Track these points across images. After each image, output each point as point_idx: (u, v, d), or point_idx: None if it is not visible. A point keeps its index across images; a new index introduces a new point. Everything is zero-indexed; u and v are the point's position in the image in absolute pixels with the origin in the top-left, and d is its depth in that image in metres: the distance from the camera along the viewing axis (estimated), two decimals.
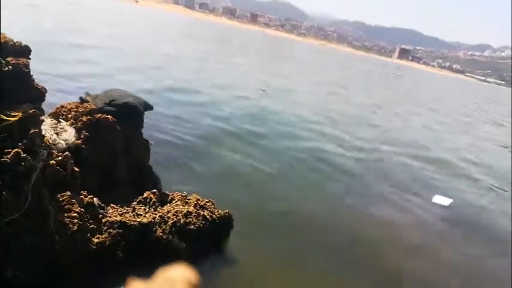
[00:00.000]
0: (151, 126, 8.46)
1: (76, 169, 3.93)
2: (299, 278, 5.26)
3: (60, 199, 3.58)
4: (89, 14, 39.00)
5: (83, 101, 4.89)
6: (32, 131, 3.30)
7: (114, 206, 4.53)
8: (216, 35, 67.95)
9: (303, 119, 14.77)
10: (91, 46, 19.86)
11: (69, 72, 12.94)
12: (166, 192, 5.26)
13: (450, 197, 9.01)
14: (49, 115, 4.77)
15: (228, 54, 36.81)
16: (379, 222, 7.27)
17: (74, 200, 3.68)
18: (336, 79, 35.99)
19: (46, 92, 3.66)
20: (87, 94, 5.00)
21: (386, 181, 9.63)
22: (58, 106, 4.75)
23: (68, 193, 3.66)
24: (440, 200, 8.76)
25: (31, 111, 3.33)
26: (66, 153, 3.84)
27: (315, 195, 7.96)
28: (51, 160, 3.68)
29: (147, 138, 5.31)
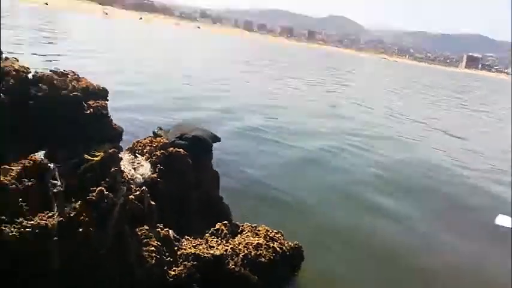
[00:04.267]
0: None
1: (152, 203, 4.05)
2: None
3: (139, 233, 3.70)
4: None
5: (156, 135, 5.10)
6: (113, 169, 3.46)
7: (189, 237, 4.62)
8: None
9: None
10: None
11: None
12: (237, 222, 5.29)
13: None
14: (127, 150, 5.03)
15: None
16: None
17: (151, 234, 3.79)
18: None
19: (123, 131, 3.85)
20: (160, 128, 5.21)
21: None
22: (134, 142, 4.99)
23: (146, 227, 3.77)
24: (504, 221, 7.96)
25: (111, 150, 3.51)
26: (143, 187, 3.98)
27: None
28: (130, 195, 3.83)
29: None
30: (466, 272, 6.25)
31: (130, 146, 4.99)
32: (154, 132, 5.16)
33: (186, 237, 4.63)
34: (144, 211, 3.94)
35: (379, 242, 6.65)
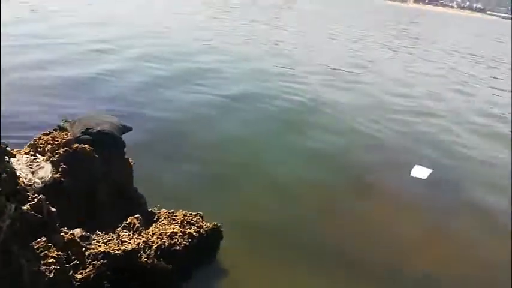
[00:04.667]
0: None
1: (53, 209, 3.96)
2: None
3: (36, 246, 3.64)
4: None
5: (61, 128, 4.89)
6: None
7: (100, 233, 4.62)
8: None
9: None
10: None
11: None
12: (154, 209, 5.33)
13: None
14: (28, 146, 4.81)
15: None
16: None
17: (50, 244, 3.74)
18: None
19: None
20: (65, 121, 4.99)
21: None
22: (36, 138, 4.77)
23: (44, 239, 3.71)
24: (419, 172, 8.39)
25: None
26: (40, 196, 3.86)
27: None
28: (25, 206, 3.71)
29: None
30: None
31: (32, 142, 4.77)
32: (59, 126, 4.94)
33: (98, 232, 4.64)
34: (43, 220, 3.86)
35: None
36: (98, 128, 4.63)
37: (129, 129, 4.97)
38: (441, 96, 16.90)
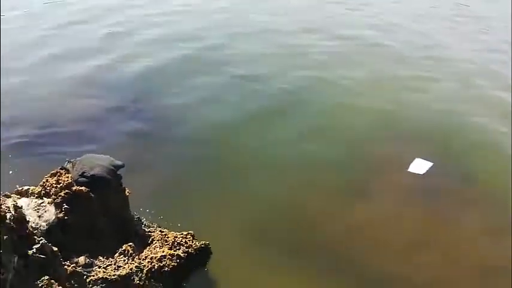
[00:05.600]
0: None
1: (55, 249, 4.87)
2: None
3: (40, 285, 4.57)
4: None
5: (65, 170, 5.75)
6: None
7: (102, 259, 5.54)
8: None
9: None
10: None
11: None
12: (150, 229, 6.17)
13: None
14: (40, 185, 5.74)
15: None
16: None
17: (52, 281, 4.66)
18: None
19: None
20: (68, 161, 5.83)
21: None
22: (44, 179, 5.67)
23: (46, 277, 4.62)
24: (418, 166, 8.07)
25: None
26: (43, 241, 4.75)
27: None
28: (30, 250, 4.63)
29: None
30: None
31: (42, 183, 5.68)
32: (63, 167, 5.80)
33: (100, 258, 5.56)
34: (47, 260, 4.78)
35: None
36: (91, 173, 5.41)
37: (121, 166, 5.72)
38: None
